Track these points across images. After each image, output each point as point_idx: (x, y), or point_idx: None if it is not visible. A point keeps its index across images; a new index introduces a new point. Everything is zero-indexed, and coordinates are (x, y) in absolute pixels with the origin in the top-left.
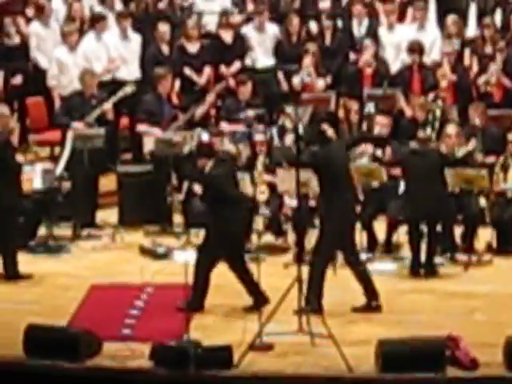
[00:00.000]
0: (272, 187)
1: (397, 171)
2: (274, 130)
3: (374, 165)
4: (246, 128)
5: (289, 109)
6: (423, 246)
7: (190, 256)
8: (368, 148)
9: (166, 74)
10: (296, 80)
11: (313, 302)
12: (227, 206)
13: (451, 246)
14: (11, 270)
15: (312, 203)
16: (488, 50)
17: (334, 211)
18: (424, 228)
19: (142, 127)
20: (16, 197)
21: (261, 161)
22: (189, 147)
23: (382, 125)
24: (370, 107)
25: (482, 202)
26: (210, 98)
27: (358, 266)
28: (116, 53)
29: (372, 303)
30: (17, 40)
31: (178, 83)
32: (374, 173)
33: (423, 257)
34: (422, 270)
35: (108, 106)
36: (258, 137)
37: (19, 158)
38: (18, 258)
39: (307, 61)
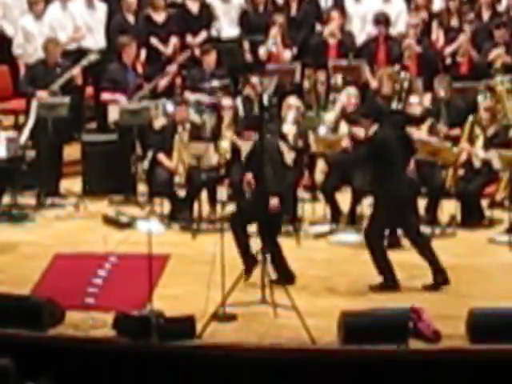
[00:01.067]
0: (235, 155)
1: (360, 133)
2: (239, 101)
3: (339, 135)
4: (211, 96)
5: (254, 79)
6: None
7: (153, 226)
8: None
9: (130, 42)
10: (262, 50)
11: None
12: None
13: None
14: None
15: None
16: (454, 22)
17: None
18: None
19: (106, 96)
20: None
21: (226, 122)
22: (161, 122)
23: (353, 96)
24: (337, 79)
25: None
26: (174, 67)
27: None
28: (81, 21)
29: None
30: None
31: (143, 53)
32: (338, 144)
33: None
34: (385, 241)
35: (72, 73)
36: (226, 102)
37: None
38: None
39: (274, 32)
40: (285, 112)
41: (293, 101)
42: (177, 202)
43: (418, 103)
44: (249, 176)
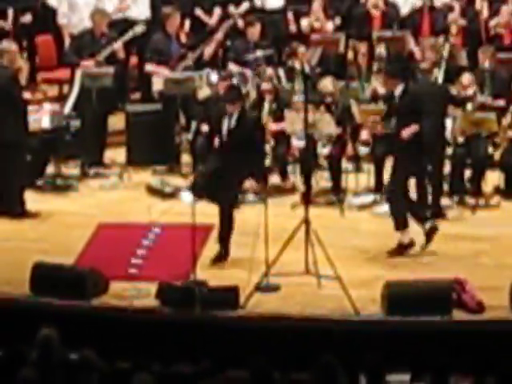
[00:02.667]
0: (279, 132)
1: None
2: (282, 72)
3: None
4: (254, 74)
5: (301, 49)
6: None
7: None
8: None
9: (173, 13)
10: (304, 22)
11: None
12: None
13: (461, 188)
14: (18, 208)
15: (320, 145)
16: None
17: None
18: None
19: (150, 66)
20: (22, 133)
21: (266, 108)
22: (205, 93)
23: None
24: (382, 49)
25: (490, 149)
26: (218, 36)
27: None
28: None
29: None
30: None
31: (187, 23)
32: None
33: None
34: (428, 212)
35: (118, 45)
36: (265, 86)
37: (26, 95)
38: (24, 195)
39: (316, 4)
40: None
41: (326, 86)
42: None
43: (471, 85)
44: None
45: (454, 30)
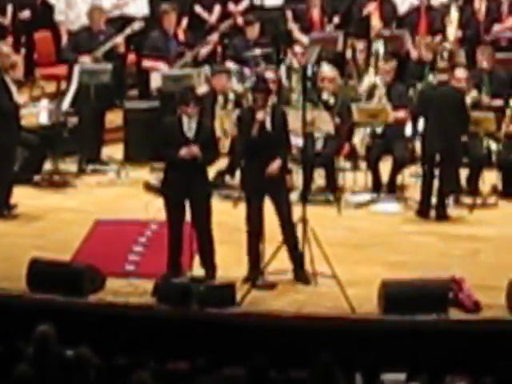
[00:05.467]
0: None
1: (401, 114)
2: (283, 69)
3: (380, 105)
4: (254, 67)
5: (297, 48)
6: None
7: None
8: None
9: (169, 10)
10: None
11: None
12: None
13: (456, 188)
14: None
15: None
16: None
17: None
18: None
19: (147, 63)
20: (12, 138)
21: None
22: (203, 90)
23: (385, 72)
24: (379, 46)
25: (493, 145)
26: (215, 36)
27: None
28: None
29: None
30: None
31: (185, 20)
32: (380, 114)
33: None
34: (431, 211)
35: (119, 39)
36: (269, 75)
37: (20, 98)
38: (8, 196)
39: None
40: (319, 82)
41: (327, 72)
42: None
43: (464, 78)
44: None
45: (451, 29)
